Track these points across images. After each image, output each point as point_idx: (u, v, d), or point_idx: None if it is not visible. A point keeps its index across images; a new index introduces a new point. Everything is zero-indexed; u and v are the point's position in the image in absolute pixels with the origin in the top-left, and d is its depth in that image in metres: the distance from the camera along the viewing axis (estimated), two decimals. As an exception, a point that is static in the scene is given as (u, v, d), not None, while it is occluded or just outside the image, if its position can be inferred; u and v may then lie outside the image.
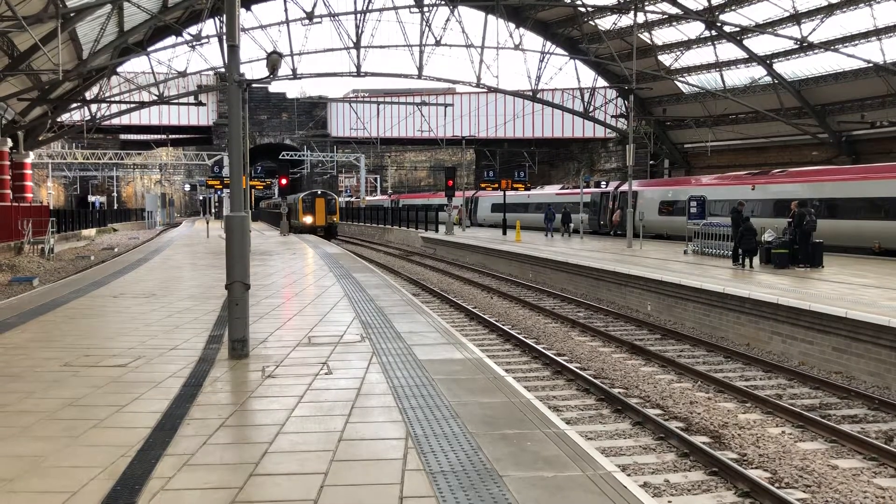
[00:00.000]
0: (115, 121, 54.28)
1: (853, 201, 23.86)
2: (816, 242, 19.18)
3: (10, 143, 43.07)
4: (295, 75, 44.45)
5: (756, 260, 19.74)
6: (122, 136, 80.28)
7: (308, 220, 47.84)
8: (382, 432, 5.83)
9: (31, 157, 48.23)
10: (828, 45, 36.54)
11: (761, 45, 40.55)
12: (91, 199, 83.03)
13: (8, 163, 43.23)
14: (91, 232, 54.65)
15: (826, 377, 11.44)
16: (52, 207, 49.53)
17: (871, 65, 35.36)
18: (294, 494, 4.61)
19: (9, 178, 43.43)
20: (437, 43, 44.56)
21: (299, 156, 68.29)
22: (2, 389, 7.08)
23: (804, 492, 7.13)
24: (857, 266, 19.61)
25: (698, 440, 8.43)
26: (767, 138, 44.49)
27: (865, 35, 35.31)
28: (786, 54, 39.74)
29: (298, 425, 6.02)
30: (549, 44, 49.68)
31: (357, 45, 43.97)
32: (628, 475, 7.23)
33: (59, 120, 48.06)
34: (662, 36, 45.45)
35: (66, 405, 6.56)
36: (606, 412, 9.74)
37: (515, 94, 51.73)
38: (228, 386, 7.35)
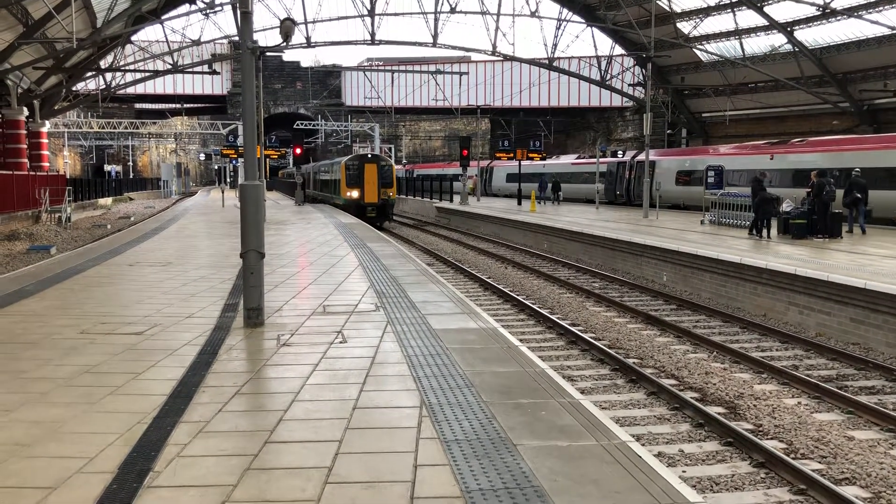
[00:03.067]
0: (130, 90, 54.24)
1: (874, 171, 23.50)
2: (835, 213, 18.96)
3: (26, 112, 43.19)
4: (309, 44, 44.17)
5: (774, 230, 19.56)
6: (137, 106, 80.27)
7: (353, 193, 33.61)
8: (397, 401, 5.83)
9: (46, 127, 48.38)
10: (850, 12, 35.78)
11: (782, 11, 39.79)
12: (107, 168, 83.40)
13: (24, 132, 43.40)
14: (107, 201, 54.98)
15: (843, 348, 11.36)
16: (68, 176, 49.82)
17: (894, 31, 34.63)
18: (309, 462, 4.63)
19: (25, 147, 43.63)
20: (453, 10, 44.06)
21: (314, 125, 68.09)
22: (20, 356, 7.14)
23: (820, 462, 7.10)
24: (877, 236, 19.38)
25: (713, 411, 8.41)
26: (787, 107, 43.85)
27: (890, 0, 34.50)
28: (807, 21, 38.96)
29: (313, 393, 6.03)
30: (565, 11, 48.96)
31: (371, 13, 43.58)
32: (643, 445, 7.23)
33: (74, 89, 48.14)
34: (681, 3, 44.65)
35: (83, 372, 6.61)
36: (621, 382, 9.73)
37: (531, 62, 51.17)
38: (244, 354, 7.38)
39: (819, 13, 37.09)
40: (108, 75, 47.26)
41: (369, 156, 35.40)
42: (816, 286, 12.64)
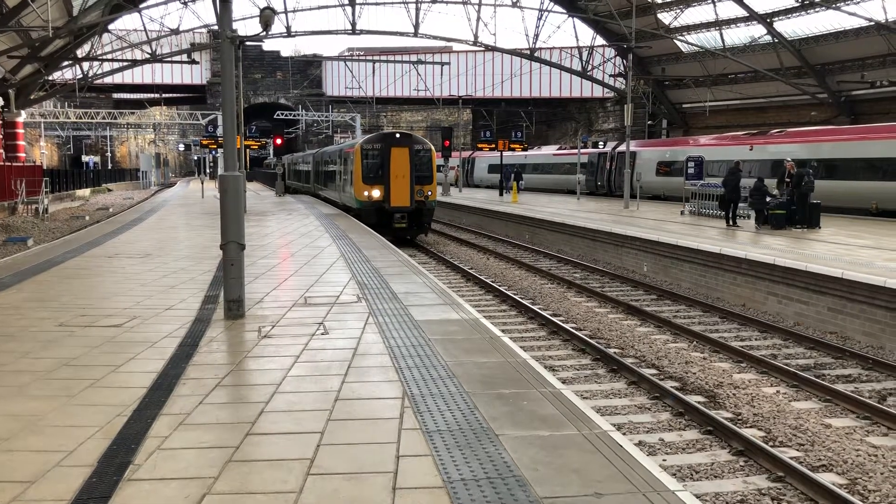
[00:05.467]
0: (108, 79, 53.51)
1: (851, 162, 23.78)
2: (814, 203, 19.15)
3: (0, 101, 42.56)
4: (289, 33, 43.81)
5: (751, 221, 19.77)
6: (115, 96, 79.24)
7: (374, 193, 23.12)
8: (379, 392, 5.83)
9: (22, 116, 47.67)
10: (829, 3, 36.03)
11: (762, 2, 40.02)
12: (85, 158, 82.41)
13: (-1, 122, 42.80)
14: (85, 192, 54.37)
15: (821, 337, 11.50)
16: (45, 167, 49.23)
17: (872, 23, 34.93)
18: (291, 453, 4.62)
19: (0, 137, 42.99)
20: (434, 0, 43.88)
21: (294, 115, 67.66)
22: (-3, 349, 7.05)
23: (798, 450, 7.20)
24: (855, 227, 19.60)
25: (693, 400, 8.48)
26: (766, 98, 44.14)
27: (867, -7, 34.78)
28: (786, 12, 39.22)
29: (295, 385, 6.01)
30: (547, 1, 48.93)
31: (352, 2, 43.31)
32: (623, 434, 7.28)
33: (50, 78, 47.43)
34: (662, -7, 44.77)
35: (62, 365, 6.55)
36: (602, 372, 9.79)
37: (513, 52, 51.10)
38: (224, 346, 7.34)
39: (798, 4, 37.33)
40: (86, 65, 46.62)
41: (398, 136, 23.82)
42: (795, 276, 12.77)
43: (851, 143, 24.11)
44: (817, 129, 28.18)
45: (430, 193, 23.34)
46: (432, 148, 24.19)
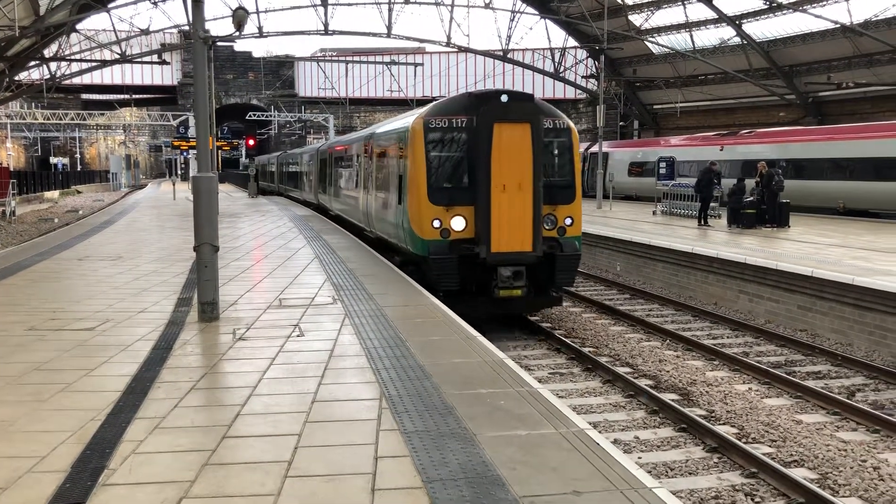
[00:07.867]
0: (76, 80, 52.77)
1: (819, 162, 24.17)
2: (783, 203, 19.44)
3: (-34, 102, 41.80)
4: (261, 33, 43.49)
5: (723, 220, 20.01)
6: (84, 96, 78.20)
7: (456, 223, 11.22)
8: (356, 393, 5.81)
9: (-12, 118, 46.87)
10: (796, 6, 36.58)
11: (731, 5, 40.70)
12: (53, 160, 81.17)
13: (-35, 123, 41.99)
14: (54, 194, 53.55)
15: (791, 335, 11.67)
16: (11, 169, 48.38)
17: (838, 26, 35.50)
18: (268, 456, 4.59)
19: (-34, 138, 42.21)
20: (407, 1, 43.85)
21: (266, 116, 67.26)
22: (-35, 354, 6.92)
23: (770, 446, 7.30)
24: (823, 226, 19.93)
25: (667, 397, 8.57)
26: (736, 99, 44.70)
27: (833, -5, 35.37)
28: (755, 14, 39.76)
29: (271, 387, 5.98)
30: (519, 2, 49.11)
31: (325, 3, 43.13)
32: (600, 432, 7.34)
33: (16, 79, 46.62)
34: (633, -5, 45.13)
35: (33, 370, 6.44)
36: (577, 371, 9.85)
37: (486, 53, 51.21)
38: (199, 349, 7.27)
39: (766, 7, 37.85)
40: (53, 65, 45.88)
41: (504, 99, 11.30)
42: (765, 275, 12.95)
43: (819, 143, 24.50)
44: (786, 130, 28.60)
45: (569, 221, 11.89)
46: (572, 126, 12.31)
